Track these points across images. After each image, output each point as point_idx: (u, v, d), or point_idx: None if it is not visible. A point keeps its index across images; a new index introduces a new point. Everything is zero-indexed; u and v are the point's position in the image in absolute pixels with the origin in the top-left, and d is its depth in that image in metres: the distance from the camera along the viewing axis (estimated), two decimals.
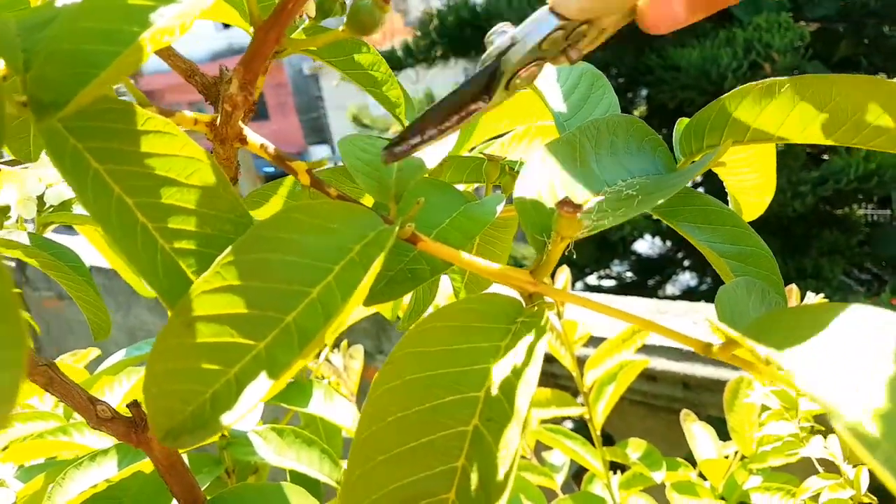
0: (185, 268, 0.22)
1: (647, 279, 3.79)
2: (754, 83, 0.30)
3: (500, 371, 0.22)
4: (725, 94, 0.31)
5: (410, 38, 4.56)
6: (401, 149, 0.25)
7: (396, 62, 4.15)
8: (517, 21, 0.28)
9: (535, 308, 0.23)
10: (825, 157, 3.17)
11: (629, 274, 3.92)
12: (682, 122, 0.36)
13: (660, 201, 0.24)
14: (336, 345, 0.80)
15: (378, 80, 0.33)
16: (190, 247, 0.22)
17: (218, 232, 0.22)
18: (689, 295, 3.72)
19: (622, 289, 3.80)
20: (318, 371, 0.76)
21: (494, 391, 0.21)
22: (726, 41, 3.03)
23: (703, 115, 0.32)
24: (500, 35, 0.27)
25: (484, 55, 0.27)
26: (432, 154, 0.27)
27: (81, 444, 0.60)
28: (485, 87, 0.27)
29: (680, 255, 3.89)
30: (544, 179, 0.26)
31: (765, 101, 0.30)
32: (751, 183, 0.41)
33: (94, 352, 0.77)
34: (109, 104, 0.21)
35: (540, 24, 0.26)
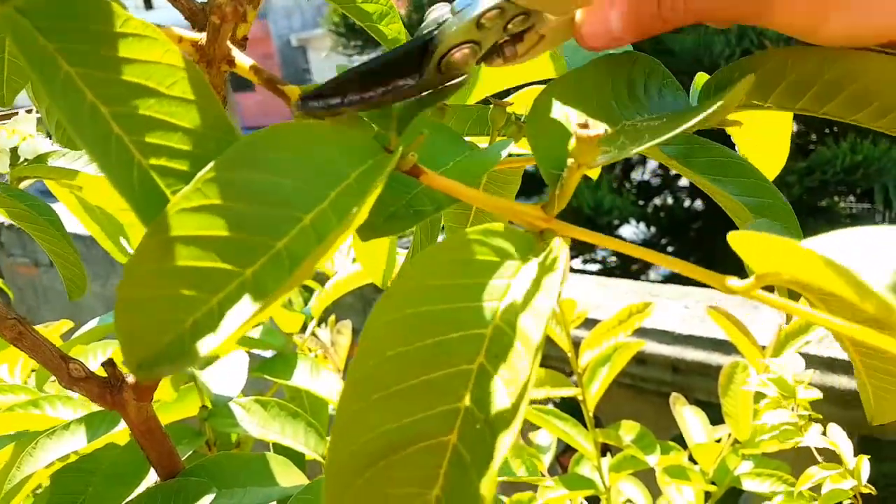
0: (163, 187, 0.20)
1: (631, 264, 3.79)
2: (783, 48, 0.28)
3: (507, 308, 0.20)
4: (752, 55, 0.30)
5: (403, 11, 4.51)
6: (316, 105, 0.23)
7: None
8: None
9: (547, 245, 0.21)
10: (812, 147, 3.18)
11: (613, 259, 3.92)
12: (700, 77, 0.34)
13: (678, 131, 0.22)
14: (324, 320, 0.78)
15: (373, 13, 0.30)
16: (169, 164, 0.20)
17: (200, 149, 0.20)
18: (671, 281, 3.73)
19: (606, 273, 3.80)
20: (303, 345, 0.74)
21: (501, 328, 0.20)
22: (720, 28, 3.02)
23: (727, 71, 0.31)
24: (440, 9, 0.26)
25: (421, 25, 0.26)
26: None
27: (53, 417, 0.57)
28: (416, 62, 0.25)
29: (664, 241, 3.89)
30: (557, 110, 0.24)
31: (792, 68, 0.28)
32: (764, 146, 0.39)
33: (68, 324, 0.75)
34: (82, 1, 0.19)
35: None
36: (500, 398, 0.18)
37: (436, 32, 0.25)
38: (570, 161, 0.21)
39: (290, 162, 0.20)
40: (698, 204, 3.91)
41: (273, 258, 0.19)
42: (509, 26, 0.26)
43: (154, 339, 0.18)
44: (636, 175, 4.07)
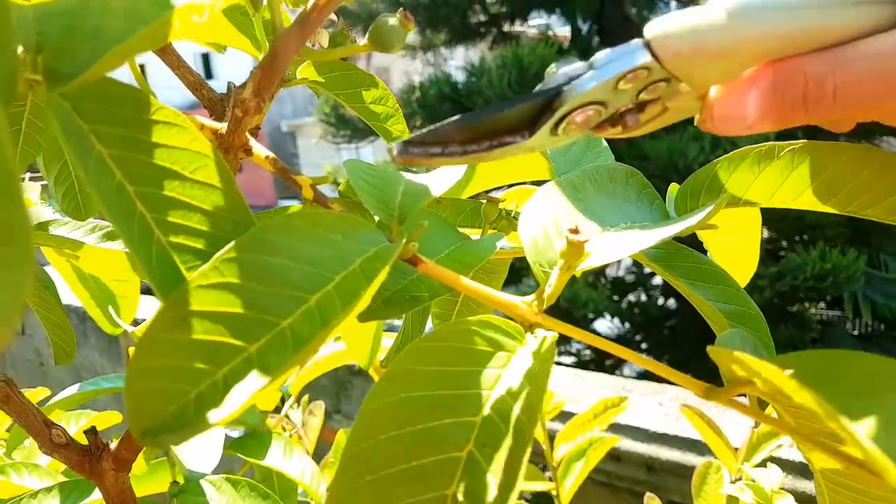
0: (179, 263, 0.21)
1: (605, 359, 3.80)
2: (752, 147, 0.31)
3: (498, 396, 0.21)
4: (722, 157, 0.32)
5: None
6: (417, 151, 0.23)
7: None
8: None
9: (536, 337, 0.22)
10: (783, 253, 3.27)
11: (588, 352, 3.92)
12: (674, 187, 0.37)
13: (661, 239, 0.24)
14: (296, 400, 0.77)
15: (381, 114, 0.33)
16: (187, 242, 0.21)
17: (217, 231, 0.21)
18: (645, 377, 3.73)
19: (580, 366, 3.80)
20: (276, 426, 0.73)
21: (492, 416, 0.21)
22: (694, 136, 3.14)
23: (700, 175, 0.33)
24: (567, 63, 0.24)
25: (543, 82, 0.24)
26: (439, 181, 0.27)
27: (18, 485, 0.56)
28: (529, 119, 0.23)
29: (637, 337, 3.91)
30: (549, 214, 0.26)
31: (763, 164, 0.31)
32: (735, 252, 0.41)
33: (45, 392, 0.73)
34: (120, 90, 0.21)
35: (629, 53, 0.23)
36: (489, 489, 0.19)
37: (566, 88, 0.23)
38: (560, 262, 0.23)
39: (300, 247, 0.21)
40: (671, 303, 3.97)
41: (277, 336, 0.20)
42: (643, 94, 0.24)
43: (160, 408, 0.18)
44: (611, 271, 4.15)
